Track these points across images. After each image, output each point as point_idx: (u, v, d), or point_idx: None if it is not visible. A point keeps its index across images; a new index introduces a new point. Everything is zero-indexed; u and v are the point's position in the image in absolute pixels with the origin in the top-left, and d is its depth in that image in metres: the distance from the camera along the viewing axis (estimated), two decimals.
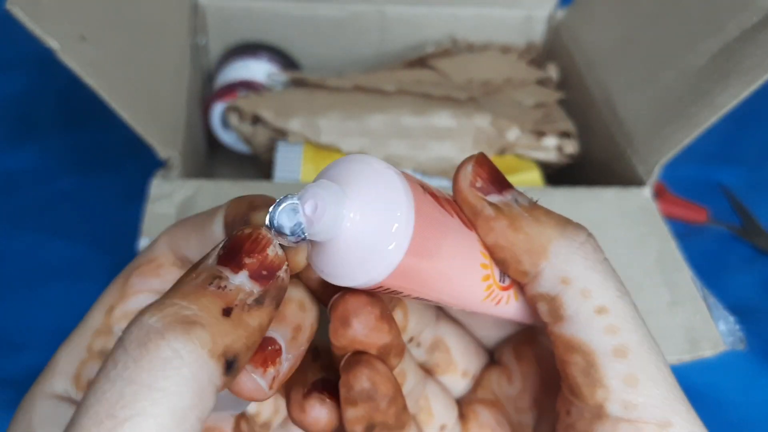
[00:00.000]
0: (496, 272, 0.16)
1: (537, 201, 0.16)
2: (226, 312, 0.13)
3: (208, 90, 0.47)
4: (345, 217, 0.13)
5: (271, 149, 0.41)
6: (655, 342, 0.15)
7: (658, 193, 0.45)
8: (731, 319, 0.37)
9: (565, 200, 0.35)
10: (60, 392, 0.17)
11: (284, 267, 0.14)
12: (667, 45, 0.36)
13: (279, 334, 0.16)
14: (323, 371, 0.17)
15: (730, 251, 0.44)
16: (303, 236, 0.13)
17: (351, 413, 0.15)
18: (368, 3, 0.46)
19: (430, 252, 0.14)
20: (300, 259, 0.15)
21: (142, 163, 0.36)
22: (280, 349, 0.15)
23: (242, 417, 0.19)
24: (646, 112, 0.37)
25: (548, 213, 0.16)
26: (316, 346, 0.18)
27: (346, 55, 0.48)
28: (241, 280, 0.13)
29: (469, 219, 0.16)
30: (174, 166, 0.34)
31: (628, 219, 0.34)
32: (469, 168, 0.16)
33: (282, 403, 0.20)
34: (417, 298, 0.16)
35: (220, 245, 0.14)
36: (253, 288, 0.13)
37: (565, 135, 0.42)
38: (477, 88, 0.44)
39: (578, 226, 0.16)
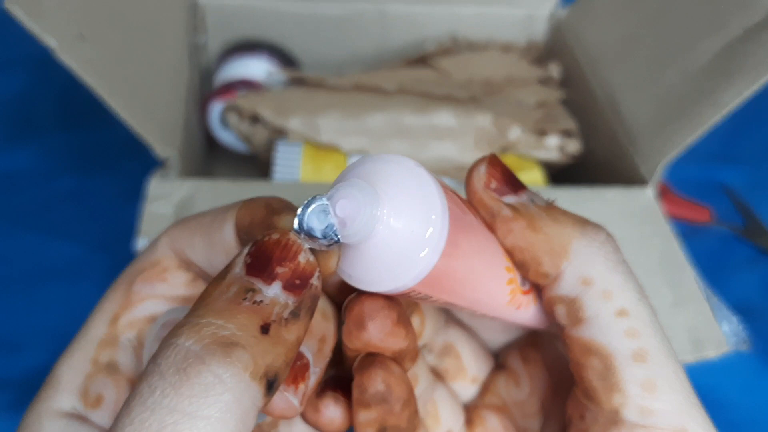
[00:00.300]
0: (518, 276, 0.16)
1: (554, 201, 0.16)
2: (264, 329, 0.12)
3: (206, 89, 0.46)
4: (379, 219, 0.12)
5: (270, 148, 0.40)
6: (671, 347, 0.15)
7: (661, 193, 0.45)
8: (734, 319, 0.37)
9: (567, 200, 0.34)
10: (68, 409, 0.16)
11: (316, 274, 0.13)
12: (670, 44, 0.36)
13: (306, 347, 0.15)
14: (333, 367, 0.16)
15: (733, 251, 0.44)
16: (336, 239, 0.13)
17: (363, 416, 0.15)
18: (368, 1, 0.46)
19: (460, 257, 0.14)
20: (331, 264, 0.14)
21: (141, 162, 0.36)
22: (308, 363, 0.15)
23: None
24: (649, 111, 0.37)
25: (566, 213, 0.16)
26: None
27: (346, 53, 0.48)
28: (275, 292, 0.13)
29: (487, 221, 0.16)
30: (172, 166, 0.34)
31: (631, 219, 0.34)
32: (482, 169, 0.16)
33: None
34: (443, 303, 0.15)
35: (246, 252, 0.13)
36: (288, 299, 0.13)
37: (567, 134, 0.41)
38: (478, 87, 0.44)
39: (597, 226, 0.16)
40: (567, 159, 0.41)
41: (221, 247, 0.16)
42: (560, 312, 0.15)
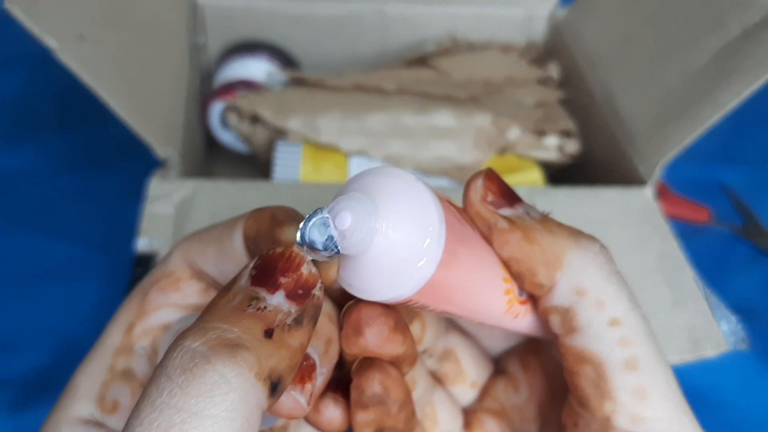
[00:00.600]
0: (515, 287, 0.16)
1: (548, 213, 0.16)
2: (268, 333, 0.13)
3: (206, 89, 0.46)
4: (378, 230, 0.13)
5: (270, 149, 0.40)
6: (664, 355, 0.15)
7: (660, 193, 0.45)
8: (733, 318, 0.37)
9: (566, 200, 0.35)
10: (86, 416, 0.16)
11: (318, 284, 0.14)
12: (669, 44, 0.36)
13: (312, 348, 0.15)
14: (335, 369, 0.17)
15: (732, 251, 0.44)
16: (336, 250, 0.13)
17: (361, 417, 0.15)
18: (368, 1, 0.46)
19: (457, 267, 0.14)
20: (332, 274, 0.14)
21: (141, 162, 0.36)
22: (315, 363, 0.15)
23: None
24: (648, 111, 0.37)
25: (560, 225, 0.16)
26: None
27: (345, 53, 0.48)
28: (278, 301, 0.13)
29: (484, 233, 0.16)
30: (172, 166, 0.34)
31: (630, 219, 0.34)
32: (479, 183, 0.16)
33: None
34: (440, 312, 0.16)
35: (252, 265, 0.14)
36: (291, 308, 0.13)
37: (566, 134, 0.41)
38: (477, 87, 0.44)
39: (591, 238, 0.16)
40: (566, 159, 0.41)
41: (231, 256, 0.17)
42: (555, 321, 0.16)
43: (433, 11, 0.47)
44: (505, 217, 0.16)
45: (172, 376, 0.12)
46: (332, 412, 0.16)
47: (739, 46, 0.31)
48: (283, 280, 0.13)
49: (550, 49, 0.48)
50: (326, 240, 0.13)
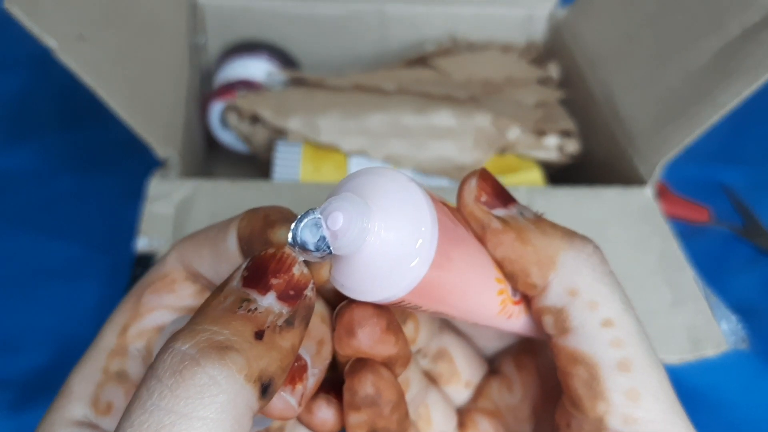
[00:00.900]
0: (509, 287, 0.16)
1: (542, 214, 0.16)
2: (258, 335, 0.13)
3: (206, 89, 0.46)
4: (370, 231, 0.13)
5: (270, 149, 0.40)
6: (657, 357, 0.15)
7: (660, 193, 0.45)
8: (733, 318, 0.37)
9: (566, 200, 0.35)
10: (80, 418, 0.16)
11: (310, 285, 0.14)
12: (669, 44, 0.36)
13: (304, 349, 0.15)
14: (328, 370, 0.17)
15: (732, 251, 0.44)
16: (328, 251, 0.13)
17: (354, 418, 0.15)
18: (368, 1, 0.46)
19: (450, 268, 0.14)
20: (323, 274, 0.14)
21: (141, 162, 0.36)
22: (306, 364, 0.15)
23: None
24: (648, 111, 0.37)
25: (554, 225, 0.16)
26: None
27: (345, 53, 0.48)
28: (269, 302, 0.13)
29: (477, 234, 0.16)
30: (172, 166, 0.34)
31: (630, 219, 0.34)
32: (473, 183, 0.16)
33: None
34: (433, 313, 0.16)
35: (244, 266, 0.14)
36: (282, 309, 0.13)
37: (566, 134, 0.41)
38: (477, 87, 0.44)
39: (585, 238, 0.16)
40: (566, 159, 0.41)
41: (226, 257, 0.17)
42: (548, 322, 0.16)
43: (433, 11, 0.47)
44: (498, 218, 0.16)
45: (162, 378, 0.12)
46: (325, 413, 0.16)
47: (739, 46, 0.31)
48: (274, 281, 0.13)
49: (550, 49, 0.48)
50: (318, 241, 0.13)
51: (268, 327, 0.13)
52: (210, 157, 0.47)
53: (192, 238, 0.18)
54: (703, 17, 0.34)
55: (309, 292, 0.14)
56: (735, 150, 0.50)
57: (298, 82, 0.43)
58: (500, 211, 0.16)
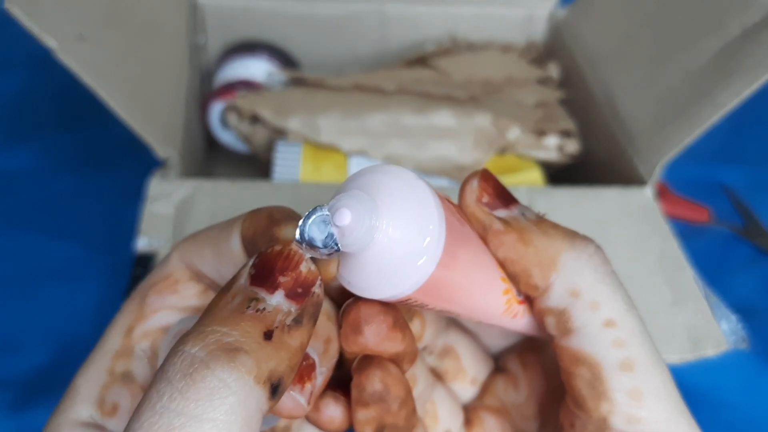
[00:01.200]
0: (514, 287, 0.16)
1: (544, 215, 0.16)
2: (267, 335, 0.13)
3: (206, 89, 0.46)
4: (378, 229, 0.13)
5: (270, 149, 0.40)
6: (660, 356, 0.15)
7: (660, 193, 0.45)
8: (733, 318, 0.37)
9: (566, 200, 0.35)
10: (86, 419, 0.16)
11: (318, 282, 0.14)
12: (669, 44, 0.36)
13: (311, 348, 0.16)
14: (335, 368, 0.17)
15: (732, 251, 0.44)
16: (336, 248, 0.13)
17: (362, 414, 0.15)
18: (368, 1, 0.46)
19: (457, 267, 0.14)
20: (331, 270, 0.15)
21: (141, 162, 0.36)
22: (314, 363, 0.15)
23: None
24: (648, 111, 0.37)
25: (556, 226, 0.16)
26: None
27: (345, 53, 0.48)
28: (277, 301, 0.13)
29: (479, 234, 0.16)
30: (172, 166, 0.34)
31: (630, 218, 0.34)
32: (474, 184, 0.16)
33: None
34: (439, 311, 0.16)
35: (250, 264, 0.14)
36: (290, 307, 0.13)
37: (566, 134, 0.41)
38: (477, 87, 0.44)
39: (586, 239, 0.16)
40: (566, 159, 0.41)
41: (229, 258, 0.17)
42: (550, 323, 0.16)
43: (433, 11, 0.47)
44: (500, 219, 0.16)
45: (172, 381, 0.12)
46: (333, 410, 0.16)
47: (739, 46, 0.31)
48: (282, 279, 0.13)
49: (550, 49, 0.48)
50: (326, 237, 0.13)
51: (276, 327, 0.13)
52: (210, 157, 0.47)
53: (193, 238, 0.18)
54: (703, 17, 0.34)
55: (317, 289, 0.14)
56: (735, 150, 0.50)
57: (298, 82, 0.43)
58: (502, 212, 0.16)
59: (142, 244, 0.31)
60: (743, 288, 0.41)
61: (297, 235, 0.13)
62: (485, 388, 0.20)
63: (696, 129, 0.33)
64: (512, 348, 0.21)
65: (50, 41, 0.27)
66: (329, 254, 0.13)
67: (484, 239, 0.16)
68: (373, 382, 0.15)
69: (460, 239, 0.14)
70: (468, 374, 0.20)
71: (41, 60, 0.38)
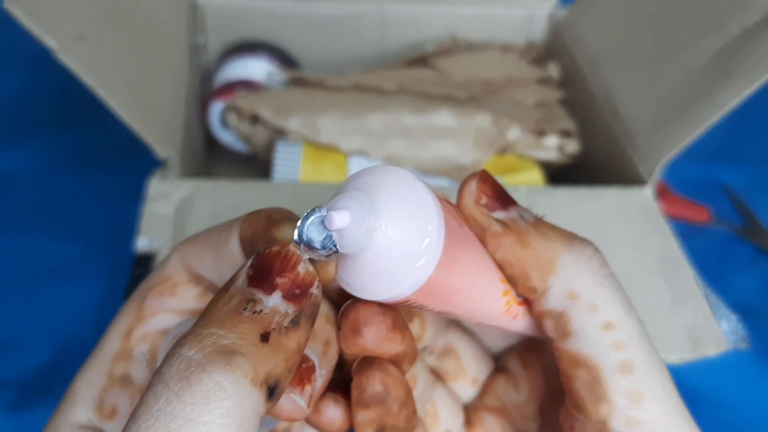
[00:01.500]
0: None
1: (543, 216, 0.16)
2: (264, 337, 0.13)
3: (206, 89, 0.46)
4: (376, 230, 0.13)
5: (270, 149, 0.40)
6: (659, 358, 0.15)
7: (660, 193, 0.45)
8: (733, 317, 0.37)
9: (566, 200, 0.35)
10: (84, 422, 0.16)
11: (316, 283, 0.14)
12: (669, 44, 0.36)
13: (311, 350, 0.15)
14: (334, 370, 0.17)
15: (732, 251, 0.44)
16: (334, 249, 0.13)
17: (362, 416, 0.15)
18: (368, 1, 0.46)
19: (456, 268, 0.14)
20: (330, 271, 0.14)
21: (141, 162, 0.36)
22: (314, 365, 0.15)
23: None
24: (648, 111, 0.37)
25: (554, 228, 0.16)
26: None
27: (345, 53, 0.48)
28: (275, 302, 0.13)
29: (477, 236, 0.16)
30: (172, 166, 0.34)
31: (630, 218, 0.34)
32: (473, 185, 0.16)
33: None
34: (439, 312, 0.16)
35: (248, 265, 0.14)
36: (288, 308, 0.13)
37: (566, 134, 0.41)
38: (477, 87, 0.44)
39: (585, 241, 0.16)
40: (566, 159, 0.41)
41: (228, 259, 0.17)
42: (548, 325, 0.16)
43: (433, 11, 0.47)
44: (498, 221, 0.16)
45: (168, 384, 0.12)
46: (333, 412, 0.16)
47: (739, 46, 0.31)
48: (279, 280, 0.13)
49: (550, 49, 0.48)
50: (324, 239, 0.13)
51: (273, 329, 0.13)
52: (210, 157, 0.47)
53: (192, 240, 0.18)
54: (703, 17, 0.34)
55: (315, 290, 0.14)
56: (735, 150, 0.50)
57: (298, 82, 0.43)
58: (500, 214, 0.16)
59: (142, 244, 0.31)
60: (743, 288, 0.41)
61: (295, 236, 0.13)
62: (485, 388, 0.20)
63: (696, 129, 0.33)
64: (513, 348, 0.20)
65: (50, 41, 0.27)
66: (328, 255, 0.13)
67: (483, 241, 0.16)
68: (373, 383, 0.15)
69: (460, 240, 0.14)
70: (468, 374, 0.20)
71: (41, 60, 0.38)
